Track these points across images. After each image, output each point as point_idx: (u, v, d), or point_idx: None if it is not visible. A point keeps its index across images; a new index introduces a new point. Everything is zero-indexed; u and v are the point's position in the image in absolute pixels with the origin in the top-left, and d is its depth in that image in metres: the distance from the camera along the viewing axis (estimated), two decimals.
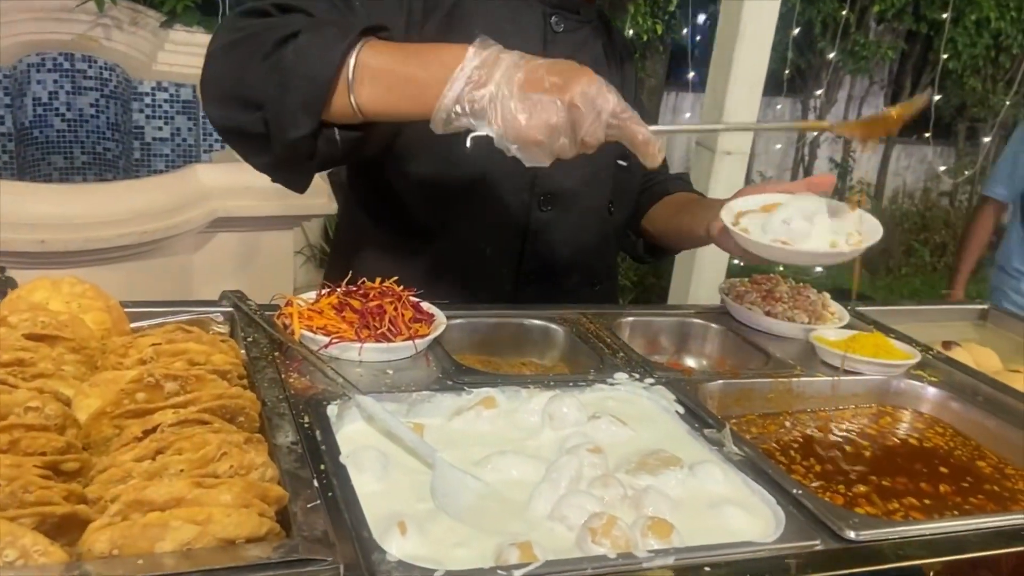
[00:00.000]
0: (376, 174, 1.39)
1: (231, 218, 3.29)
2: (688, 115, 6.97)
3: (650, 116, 1.40)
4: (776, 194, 1.31)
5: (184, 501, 0.67)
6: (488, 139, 1.03)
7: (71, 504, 0.68)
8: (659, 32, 5.46)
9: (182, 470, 0.72)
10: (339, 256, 1.56)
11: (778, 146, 7.31)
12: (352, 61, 1.05)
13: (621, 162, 1.52)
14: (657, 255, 1.69)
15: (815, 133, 7.05)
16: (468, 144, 1.04)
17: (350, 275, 1.24)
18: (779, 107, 7.08)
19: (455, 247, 1.41)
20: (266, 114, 1.09)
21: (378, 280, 1.23)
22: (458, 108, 1.01)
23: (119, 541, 0.65)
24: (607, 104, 1.00)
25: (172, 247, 3.22)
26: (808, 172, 7.28)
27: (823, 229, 1.25)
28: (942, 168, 7.36)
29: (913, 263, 6.29)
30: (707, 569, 0.78)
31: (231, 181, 3.18)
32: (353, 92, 1.06)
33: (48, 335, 0.91)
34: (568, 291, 1.49)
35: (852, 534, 0.85)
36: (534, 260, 1.44)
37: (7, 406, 0.75)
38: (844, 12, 6.35)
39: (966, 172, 7.05)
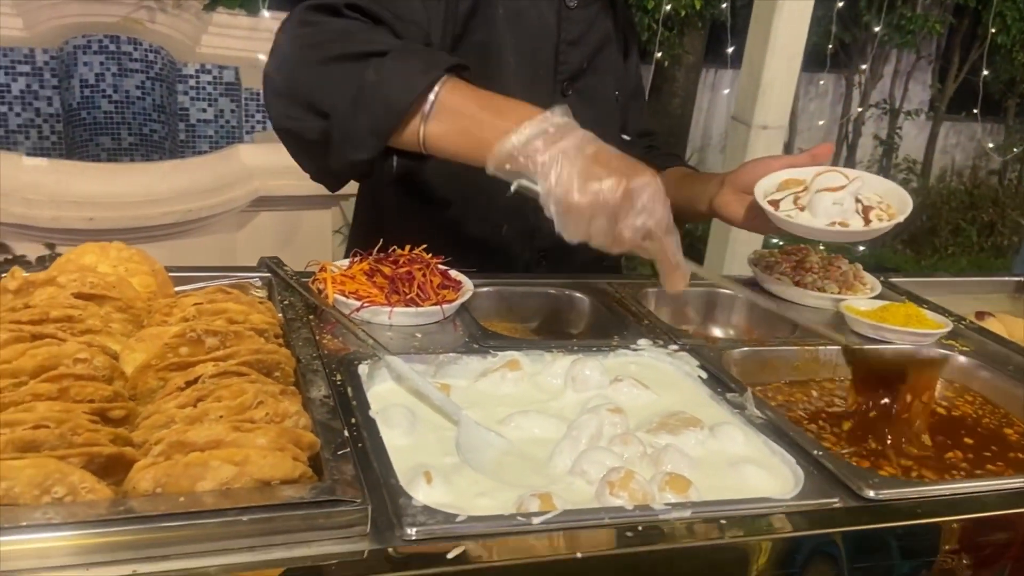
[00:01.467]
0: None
1: (272, 197, 3.38)
2: (727, 91, 6.88)
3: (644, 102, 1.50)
4: (790, 170, 1.31)
5: (223, 443, 0.71)
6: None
7: (117, 446, 0.72)
8: (697, 7, 5.38)
9: (221, 416, 0.76)
10: (360, 230, 1.60)
11: (821, 122, 7.18)
12: (432, 96, 1.05)
13: (624, 136, 1.53)
14: None
15: (860, 109, 6.92)
16: (512, 190, 1.03)
17: (381, 243, 1.27)
18: (822, 82, 6.96)
19: (474, 222, 1.44)
20: (331, 126, 1.09)
21: (407, 247, 1.26)
22: (520, 154, 0.99)
23: (162, 480, 0.69)
24: (656, 210, 0.99)
25: (215, 225, 3.31)
26: (852, 148, 7.14)
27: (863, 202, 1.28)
28: (990, 145, 7.16)
29: (960, 242, 6.15)
30: (723, 522, 0.80)
31: (272, 161, 3.26)
32: (425, 126, 1.06)
33: (96, 295, 0.96)
34: (579, 267, 1.50)
35: (872, 493, 0.87)
36: (547, 236, 1.46)
37: (57, 357, 0.79)
38: None
39: (1015, 149, 6.85)
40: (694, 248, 4.88)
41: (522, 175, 1.01)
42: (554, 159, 0.97)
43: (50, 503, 0.67)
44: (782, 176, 1.32)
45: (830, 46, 6.28)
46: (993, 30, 6.25)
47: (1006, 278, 1.68)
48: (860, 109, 6.94)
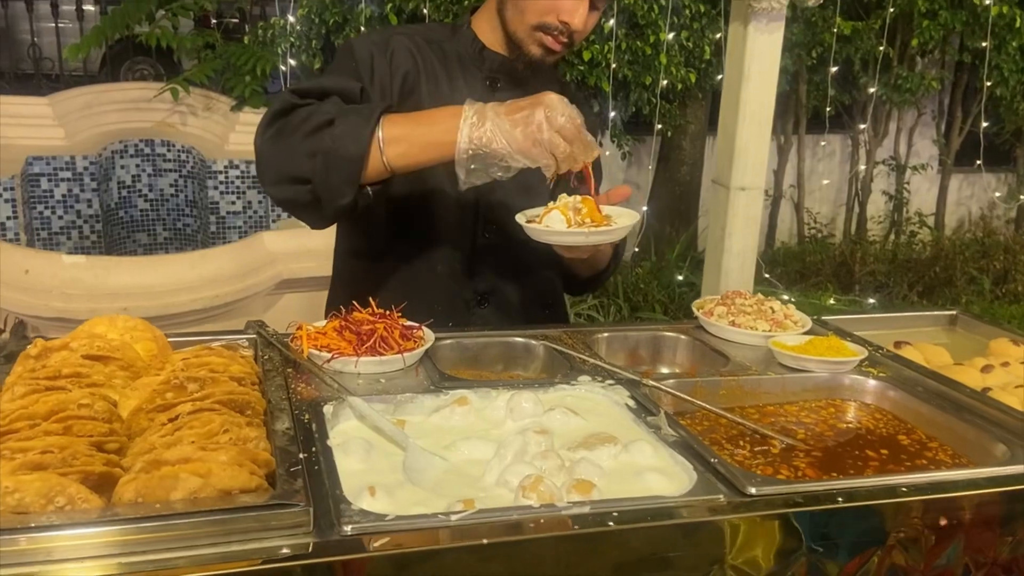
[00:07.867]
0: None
1: (295, 279, 3.57)
2: None
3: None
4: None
5: (191, 459, 0.88)
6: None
7: (108, 467, 0.89)
8: (693, 80, 5.65)
9: (193, 441, 0.93)
10: (334, 284, 1.82)
11: (826, 182, 7.33)
12: (380, 134, 1.36)
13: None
14: (569, 289, 1.86)
15: (863, 167, 7.08)
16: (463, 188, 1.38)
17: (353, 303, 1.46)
18: (823, 144, 7.13)
19: (413, 263, 1.62)
20: (315, 189, 1.39)
21: (372, 305, 1.44)
22: (472, 145, 1.33)
23: (142, 491, 0.86)
24: (567, 108, 1.33)
25: (242, 309, 3.51)
26: (863, 206, 7.28)
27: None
28: (997, 195, 7.22)
29: (974, 291, 6.17)
30: (615, 514, 0.94)
31: (294, 246, 3.48)
32: (385, 155, 1.38)
33: (102, 356, 1.15)
34: (520, 311, 1.69)
35: (753, 490, 1.00)
36: (484, 280, 1.66)
37: (64, 403, 0.98)
38: (881, 48, 6.43)
39: (1021, 197, 6.91)
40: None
41: (484, 162, 1.34)
42: (492, 131, 1.32)
43: (53, 511, 0.84)
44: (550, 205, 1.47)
45: (828, 108, 6.50)
46: (990, 83, 6.42)
47: (939, 312, 1.80)
48: (863, 167, 7.09)
